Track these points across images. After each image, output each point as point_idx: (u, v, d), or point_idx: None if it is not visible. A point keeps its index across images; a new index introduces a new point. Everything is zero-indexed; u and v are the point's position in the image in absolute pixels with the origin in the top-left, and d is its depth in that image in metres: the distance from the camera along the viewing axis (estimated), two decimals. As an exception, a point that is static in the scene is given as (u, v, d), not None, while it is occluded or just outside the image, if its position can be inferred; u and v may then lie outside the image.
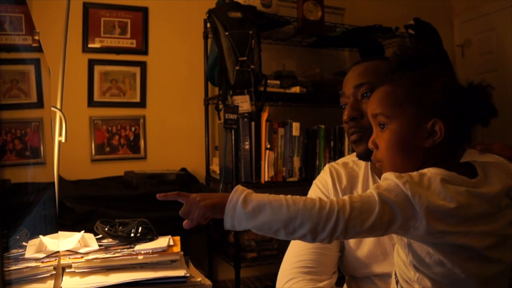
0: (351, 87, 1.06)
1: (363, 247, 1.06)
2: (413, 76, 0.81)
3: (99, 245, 1.07)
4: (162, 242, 1.06)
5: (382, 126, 0.82)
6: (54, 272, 0.89)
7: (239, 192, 0.73)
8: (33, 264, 0.90)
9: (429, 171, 0.75)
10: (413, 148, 0.79)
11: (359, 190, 1.11)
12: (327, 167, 1.19)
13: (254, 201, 0.71)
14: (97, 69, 2.43)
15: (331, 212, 0.70)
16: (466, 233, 0.72)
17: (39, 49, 1.06)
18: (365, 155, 1.03)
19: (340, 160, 1.20)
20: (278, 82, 2.34)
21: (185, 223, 0.78)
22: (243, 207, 0.71)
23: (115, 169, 2.35)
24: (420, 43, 0.87)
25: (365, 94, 1.03)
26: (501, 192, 0.76)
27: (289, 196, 0.73)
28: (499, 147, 0.95)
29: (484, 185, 0.76)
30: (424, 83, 0.79)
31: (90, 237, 1.11)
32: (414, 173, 0.75)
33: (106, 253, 1.00)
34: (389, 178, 0.74)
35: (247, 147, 2.23)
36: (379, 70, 1.00)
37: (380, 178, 0.80)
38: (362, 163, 1.14)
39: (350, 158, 1.18)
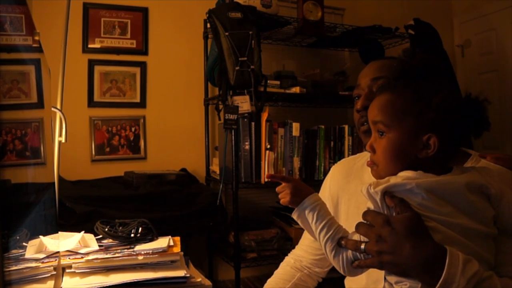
0: (368, 79, 1.12)
1: None
2: (415, 89, 0.83)
3: (99, 246, 1.07)
4: (162, 242, 1.06)
5: (380, 133, 0.85)
6: (54, 273, 0.89)
7: (307, 204, 0.91)
8: (33, 264, 0.90)
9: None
10: (407, 157, 0.82)
11: (351, 180, 1.19)
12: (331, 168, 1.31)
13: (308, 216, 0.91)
14: (97, 69, 2.43)
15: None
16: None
17: (39, 50, 1.06)
18: None
19: (352, 156, 1.32)
20: (278, 82, 2.34)
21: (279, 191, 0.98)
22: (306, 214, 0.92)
23: (115, 169, 2.35)
24: (425, 52, 0.91)
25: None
26: (465, 184, 0.78)
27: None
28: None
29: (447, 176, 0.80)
30: (425, 98, 0.81)
31: (90, 238, 1.11)
32: None
33: (106, 254, 1.00)
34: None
35: (247, 147, 2.23)
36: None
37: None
38: (365, 157, 1.19)
39: (362, 154, 1.25)
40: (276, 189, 0.97)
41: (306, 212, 0.91)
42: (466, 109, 0.81)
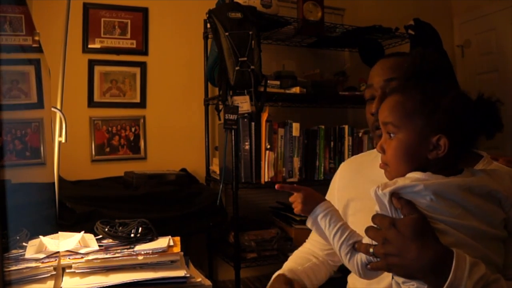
0: (381, 80, 1.08)
1: None
2: (425, 90, 0.83)
3: (99, 246, 1.07)
4: (162, 242, 1.06)
5: (390, 134, 0.85)
6: (54, 273, 0.90)
7: (319, 211, 0.93)
8: (33, 264, 0.91)
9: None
10: (417, 157, 0.82)
11: (360, 177, 1.19)
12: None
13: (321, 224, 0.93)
14: (97, 69, 2.43)
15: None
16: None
17: (39, 50, 1.06)
18: None
19: (360, 153, 1.32)
20: (278, 82, 2.34)
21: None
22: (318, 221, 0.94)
23: (115, 169, 2.35)
24: (436, 54, 0.90)
25: None
26: (474, 186, 0.78)
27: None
28: None
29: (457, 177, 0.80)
30: (434, 99, 0.81)
31: (90, 238, 1.11)
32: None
33: (106, 254, 1.00)
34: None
35: (247, 147, 2.23)
36: None
37: None
38: (373, 153, 1.19)
39: (371, 151, 1.26)
40: (289, 199, 0.99)
41: (319, 218, 0.92)
42: (478, 110, 0.80)
